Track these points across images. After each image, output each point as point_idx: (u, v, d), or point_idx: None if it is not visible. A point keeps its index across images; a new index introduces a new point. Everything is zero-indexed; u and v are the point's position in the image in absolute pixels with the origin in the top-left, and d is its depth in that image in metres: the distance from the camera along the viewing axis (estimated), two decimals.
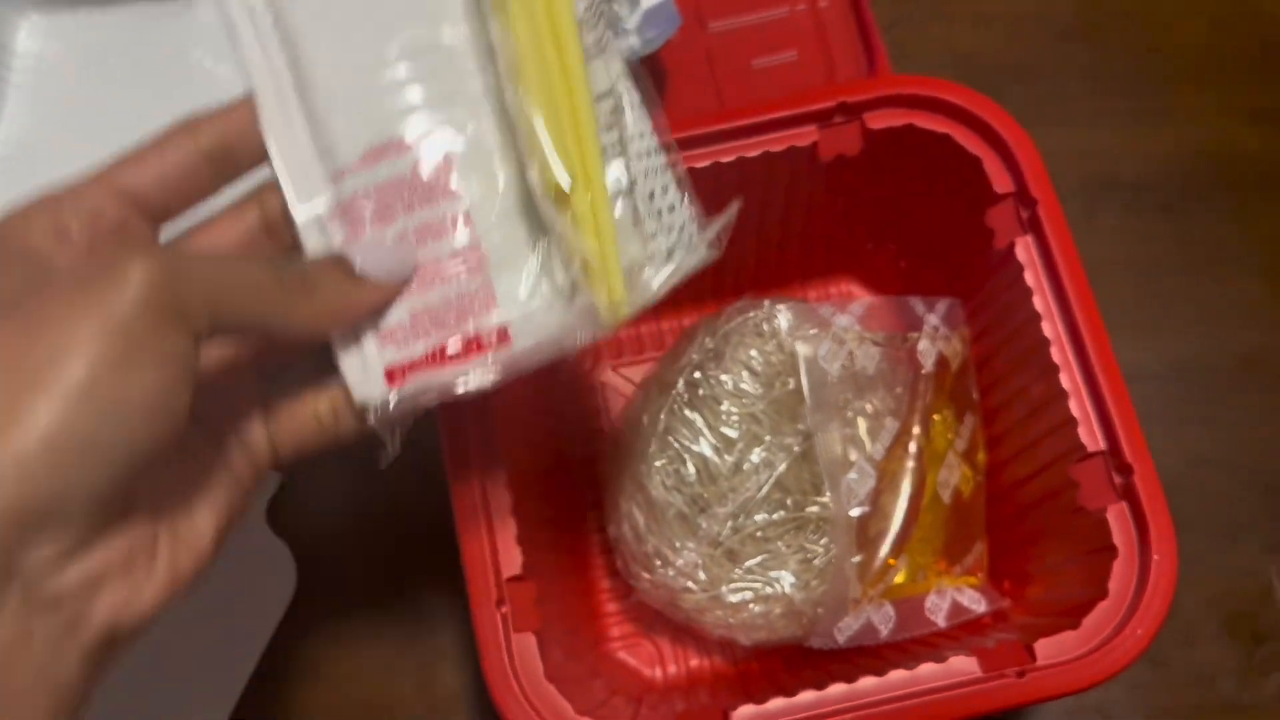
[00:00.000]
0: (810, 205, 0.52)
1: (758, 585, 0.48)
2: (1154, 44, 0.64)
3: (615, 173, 0.34)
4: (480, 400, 0.35)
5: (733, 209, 0.34)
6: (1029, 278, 0.45)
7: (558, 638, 0.44)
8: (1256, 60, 0.64)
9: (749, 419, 0.49)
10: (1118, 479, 0.42)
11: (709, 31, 0.63)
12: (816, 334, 0.48)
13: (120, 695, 0.41)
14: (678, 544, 0.48)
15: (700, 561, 0.48)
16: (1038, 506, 0.47)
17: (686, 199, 0.35)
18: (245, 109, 0.34)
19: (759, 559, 0.48)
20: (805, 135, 0.48)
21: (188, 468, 0.32)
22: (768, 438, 0.49)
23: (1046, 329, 0.45)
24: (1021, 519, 0.49)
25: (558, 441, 0.56)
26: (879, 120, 0.48)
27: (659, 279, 0.34)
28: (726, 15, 0.63)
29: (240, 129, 0.34)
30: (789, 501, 0.48)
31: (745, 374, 0.50)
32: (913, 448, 0.49)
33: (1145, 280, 0.59)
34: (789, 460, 0.48)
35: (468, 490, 0.43)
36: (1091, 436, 0.43)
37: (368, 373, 0.34)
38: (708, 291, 0.57)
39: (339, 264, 0.33)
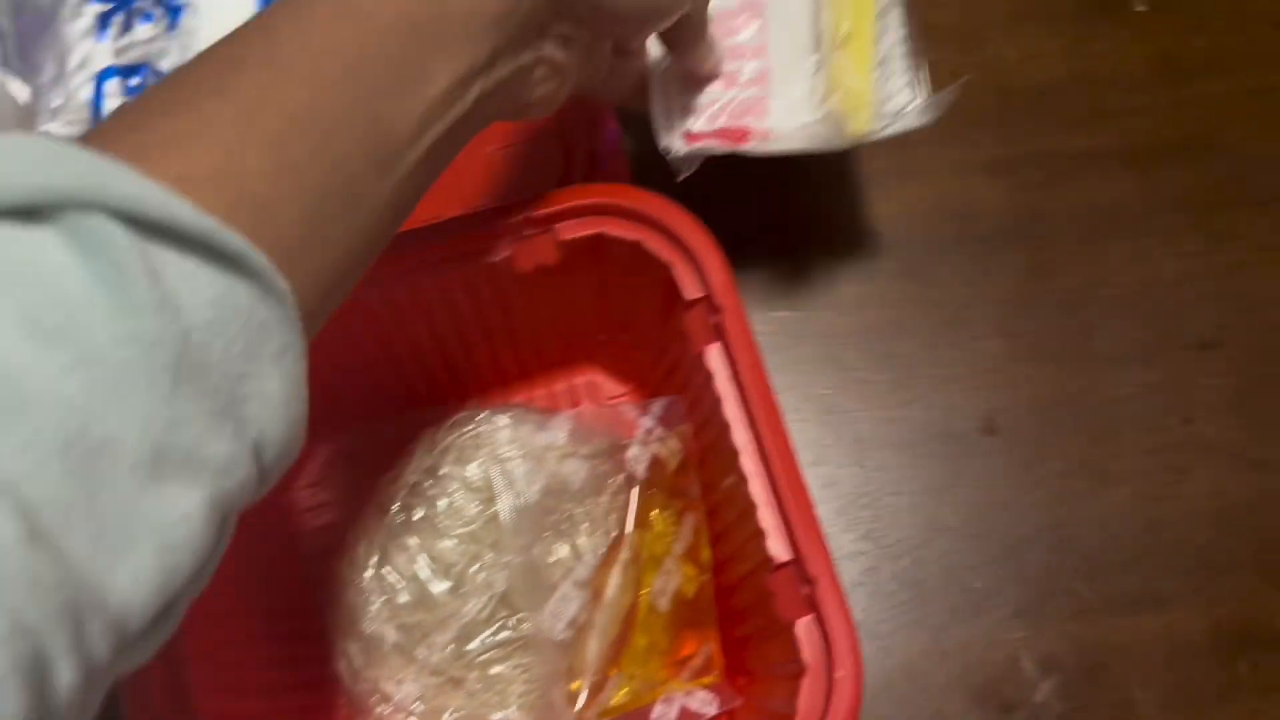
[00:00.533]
0: (528, 310, 0.52)
1: (483, 711, 0.47)
2: None
3: (885, 34, 0.52)
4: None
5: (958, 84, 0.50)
6: (717, 385, 0.45)
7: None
8: (994, 113, 0.64)
9: (468, 539, 0.48)
10: (804, 590, 0.42)
11: None
12: (521, 455, 0.48)
13: None
14: (399, 677, 0.47)
15: (420, 692, 0.47)
16: (753, 608, 0.47)
17: (921, 74, 0.52)
18: None
19: (484, 684, 0.47)
20: (498, 249, 0.47)
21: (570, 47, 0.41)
22: (489, 555, 0.48)
23: (736, 438, 0.44)
24: (744, 617, 0.48)
25: (285, 597, 0.54)
26: (570, 231, 0.47)
27: (890, 128, 0.50)
28: None
29: None
30: (512, 621, 0.47)
31: (461, 493, 0.49)
32: (624, 558, 0.48)
33: (883, 347, 0.59)
34: (510, 578, 0.48)
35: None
36: (779, 547, 0.43)
37: (671, 128, 0.49)
38: (445, 389, 0.56)
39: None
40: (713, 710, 0.48)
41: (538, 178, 0.61)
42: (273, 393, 0.28)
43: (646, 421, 0.50)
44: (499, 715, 0.47)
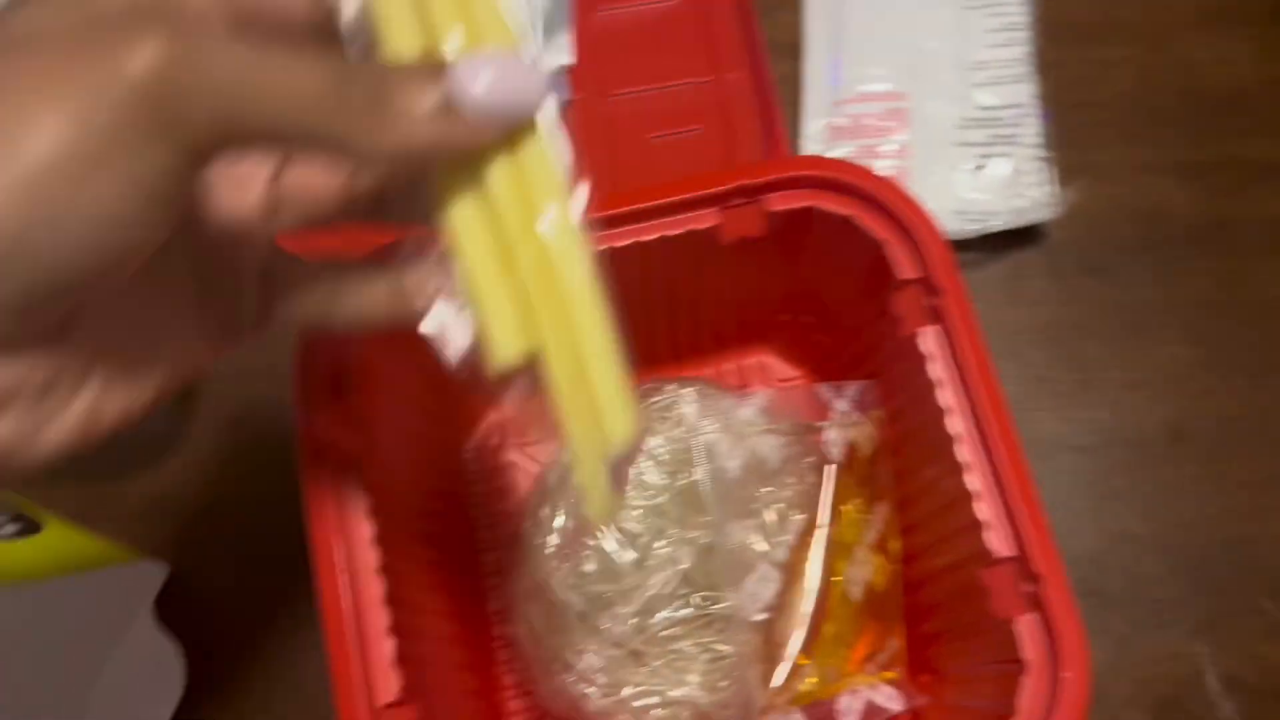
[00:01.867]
0: (718, 284, 0.50)
1: (663, 688, 0.46)
2: (1081, 98, 0.62)
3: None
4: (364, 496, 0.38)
5: None
6: (932, 370, 0.43)
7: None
8: (1182, 114, 0.62)
9: (653, 512, 0.47)
10: (1026, 587, 0.40)
11: (610, 101, 0.61)
12: (719, 428, 0.46)
13: None
14: (580, 646, 0.46)
15: (602, 664, 0.46)
16: (951, 604, 0.45)
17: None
18: None
19: (664, 660, 0.46)
20: (705, 219, 0.46)
21: (159, 303, 0.27)
22: (673, 530, 0.47)
23: (951, 425, 0.43)
24: (935, 613, 0.47)
25: (464, 526, 0.54)
26: (780, 202, 0.46)
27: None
28: (630, 84, 0.61)
29: None
30: (696, 599, 0.46)
31: (649, 464, 0.48)
32: (820, 544, 0.47)
33: (1068, 347, 0.57)
34: (695, 554, 0.46)
35: (336, 608, 0.40)
36: (1000, 541, 0.41)
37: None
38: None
39: (431, 78, 0.25)
40: (897, 707, 0.46)
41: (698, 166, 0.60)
42: None
43: (841, 404, 0.49)
44: (679, 692, 0.45)
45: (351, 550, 0.40)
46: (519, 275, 0.27)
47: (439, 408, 0.52)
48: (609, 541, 0.46)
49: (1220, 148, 0.61)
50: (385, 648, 0.40)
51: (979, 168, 0.59)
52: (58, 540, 0.47)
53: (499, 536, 0.54)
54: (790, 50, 0.63)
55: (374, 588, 0.40)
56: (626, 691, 0.46)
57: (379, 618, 0.40)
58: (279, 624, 0.53)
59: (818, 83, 0.61)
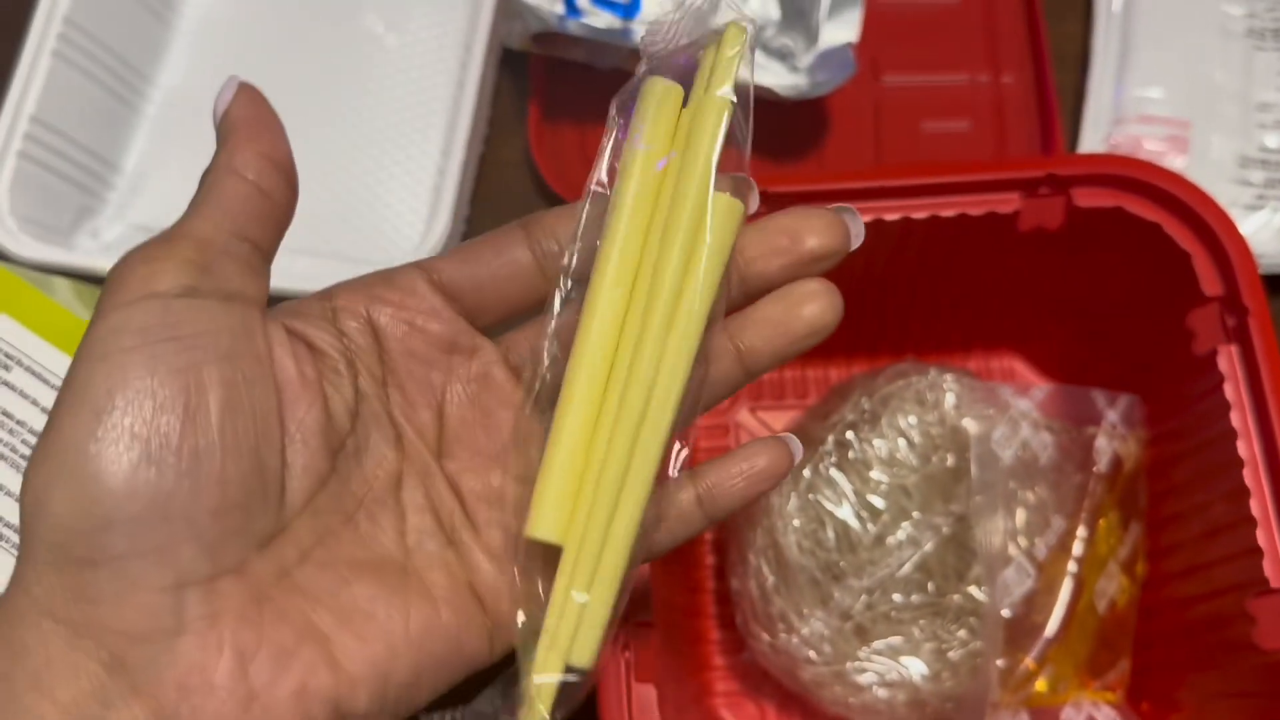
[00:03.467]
0: (996, 275, 0.49)
1: (885, 669, 0.45)
2: None
3: None
4: None
5: None
6: (1229, 391, 0.42)
7: (671, 695, 0.42)
8: None
9: (899, 491, 0.46)
10: None
11: (881, 84, 0.61)
12: (992, 414, 0.46)
13: None
14: (805, 610, 0.45)
15: (827, 633, 0.45)
16: (1201, 633, 0.44)
17: None
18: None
19: (890, 641, 0.45)
20: (1008, 203, 0.45)
21: None
22: (916, 514, 0.46)
23: (1242, 449, 0.41)
24: (1179, 641, 0.45)
25: None
26: (1087, 198, 0.45)
27: None
28: (903, 71, 0.61)
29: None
30: (930, 585, 0.45)
31: (901, 442, 0.47)
32: (1077, 551, 0.46)
33: None
34: (936, 541, 0.46)
35: None
36: (1278, 571, 0.40)
37: None
38: (862, 345, 0.55)
39: None
40: None
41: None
42: None
43: (1113, 415, 0.47)
44: (900, 675, 0.45)
45: None
46: (592, 468, 0.28)
47: None
48: (849, 513, 0.46)
49: None
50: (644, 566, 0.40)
51: (1254, 208, 0.58)
52: None
53: None
54: (1071, 62, 0.62)
55: None
56: (848, 665, 0.45)
57: None
58: None
59: (1100, 97, 0.59)
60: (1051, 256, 0.47)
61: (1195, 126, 0.60)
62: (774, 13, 0.55)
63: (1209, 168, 0.59)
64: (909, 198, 0.45)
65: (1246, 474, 0.41)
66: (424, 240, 0.52)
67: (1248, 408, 0.42)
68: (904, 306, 0.52)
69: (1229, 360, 0.42)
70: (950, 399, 0.47)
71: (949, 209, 0.45)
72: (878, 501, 0.46)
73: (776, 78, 0.54)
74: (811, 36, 0.52)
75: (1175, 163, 0.59)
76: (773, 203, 0.41)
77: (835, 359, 0.56)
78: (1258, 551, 0.40)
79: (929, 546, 0.45)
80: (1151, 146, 0.59)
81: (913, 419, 0.47)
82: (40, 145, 0.52)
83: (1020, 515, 0.45)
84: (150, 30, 0.59)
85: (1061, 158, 0.45)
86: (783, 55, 0.55)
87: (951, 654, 0.45)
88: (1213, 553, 0.43)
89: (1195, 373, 0.44)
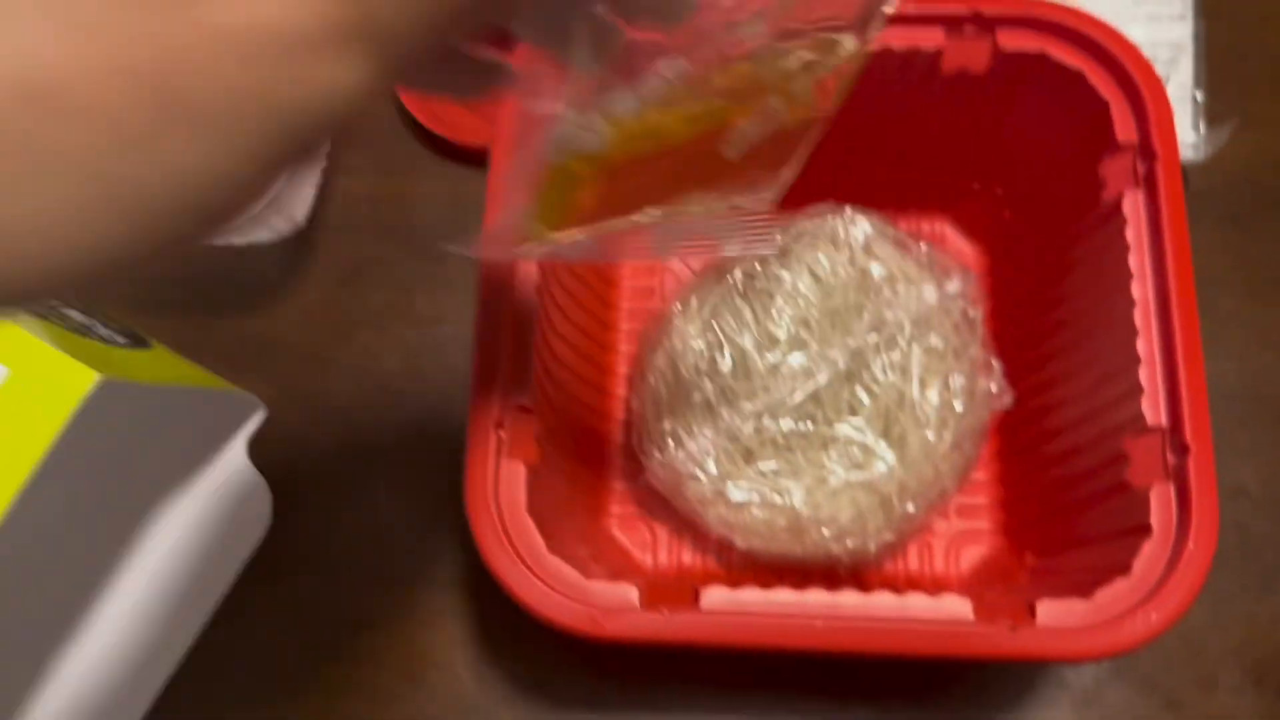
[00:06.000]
0: (918, 122, 0.49)
1: (765, 490, 0.45)
2: (1241, 46, 0.59)
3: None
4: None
5: None
6: (1129, 233, 0.42)
7: (552, 489, 0.43)
8: None
9: (799, 323, 0.47)
10: (1171, 459, 0.39)
11: None
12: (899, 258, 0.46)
13: None
14: (695, 429, 0.46)
15: (713, 452, 0.45)
16: (1082, 479, 0.44)
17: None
18: None
19: (774, 464, 0.46)
20: (930, 38, 0.45)
21: None
22: (814, 347, 0.46)
23: (1135, 290, 0.41)
24: (1063, 490, 0.46)
25: (604, 312, 0.54)
26: (1013, 40, 0.45)
27: None
28: None
29: None
30: (819, 415, 0.46)
31: (807, 276, 0.47)
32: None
33: (1199, 296, 0.55)
34: (831, 374, 0.46)
35: (491, 314, 0.41)
36: (1154, 410, 0.40)
37: None
38: (791, 197, 0.54)
39: None
40: None
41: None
42: None
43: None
44: (781, 499, 0.45)
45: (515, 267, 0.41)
46: None
47: None
48: (748, 340, 0.46)
49: None
50: (531, 360, 0.40)
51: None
52: (163, 360, 0.46)
53: (636, 330, 0.54)
54: None
55: (528, 294, 0.41)
56: (729, 485, 0.45)
57: (525, 335, 0.41)
58: (369, 480, 0.53)
59: None
60: (974, 103, 0.47)
61: None
62: None
63: None
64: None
65: (1136, 314, 0.41)
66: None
67: (1146, 250, 0.42)
68: (832, 157, 0.52)
69: (1133, 205, 0.42)
70: (859, 238, 0.48)
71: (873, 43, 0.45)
72: (778, 331, 0.46)
73: None
74: None
75: None
76: None
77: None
78: (1139, 390, 0.40)
79: (823, 378, 0.46)
80: None
81: (822, 255, 0.47)
82: None
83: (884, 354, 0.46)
84: None
85: None
86: None
87: (832, 481, 0.45)
88: (1100, 398, 0.43)
89: (1102, 221, 0.44)
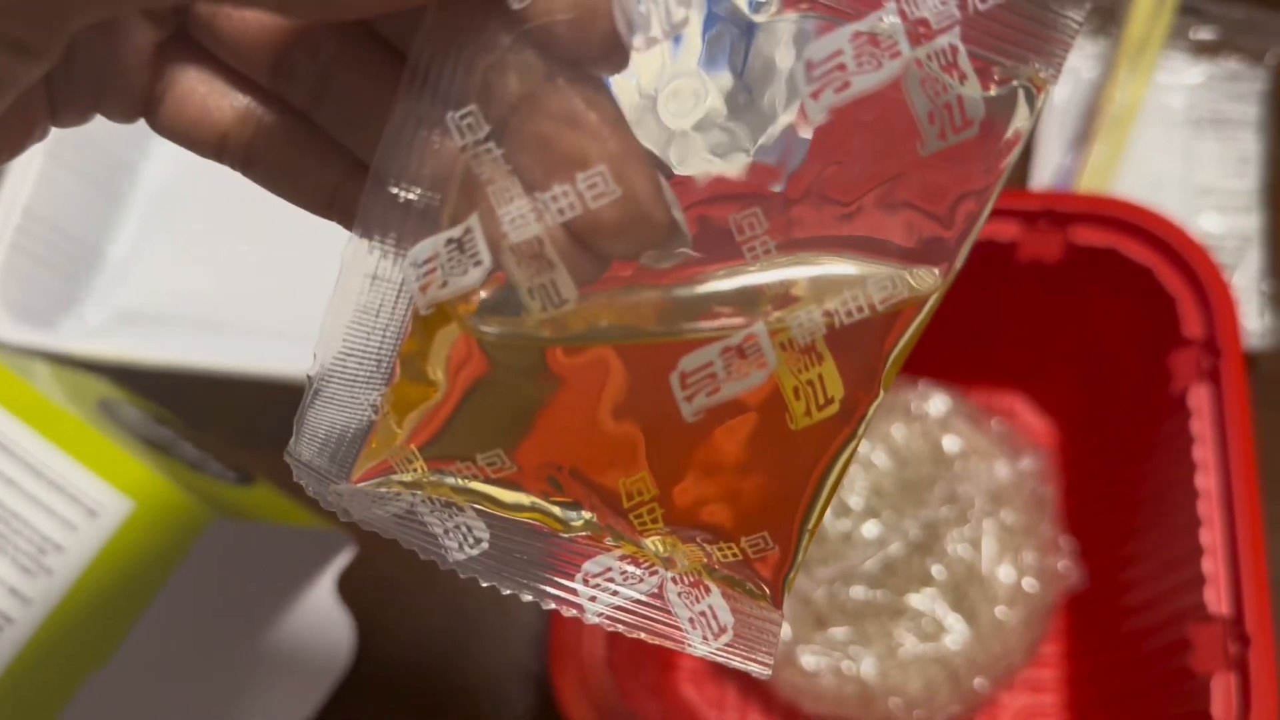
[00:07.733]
0: (994, 305, 0.52)
1: (836, 657, 0.47)
2: None
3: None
4: None
5: None
6: (1194, 426, 0.44)
7: (626, 640, 0.44)
8: None
9: (873, 492, 0.49)
10: (1233, 648, 0.40)
11: None
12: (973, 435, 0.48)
13: None
14: None
15: (787, 616, 0.47)
16: (1149, 662, 0.45)
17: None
18: None
19: (845, 632, 0.47)
20: (1006, 231, 0.48)
21: None
22: (887, 516, 0.48)
23: (1199, 481, 0.43)
24: (1130, 671, 0.46)
25: None
26: (1084, 235, 0.47)
27: None
28: None
29: None
30: (892, 585, 0.47)
31: (882, 448, 0.49)
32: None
33: (1272, 488, 0.54)
34: (903, 544, 0.47)
35: None
36: (1217, 599, 0.41)
37: None
38: None
39: None
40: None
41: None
42: None
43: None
44: (851, 668, 0.46)
45: None
46: None
47: None
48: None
49: None
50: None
51: None
52: (266, 497, 0.48)
53: None
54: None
55: None
56: (800, 649, 0.47)
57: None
58: (456, 620, 0.55)
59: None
60: (1049, 294, 0.50)
61: None
62: None
63: None
64: None
65: (1200, 505, 0.42)
66: None
67: (1211, 442, 0.43)
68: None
69: (1198, 399, 0.44)
70: (934, 412, 0.50)
71: None
72: (852, 500, 0.48)
73: None
74: None
75: None
76: None
77: None
78: (1201, 579, 0.41)
79: (895, 548, 0.47)
80: None
81: (896, 428, 0.49)
82: (30, 236, 0.54)
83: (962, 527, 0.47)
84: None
85: (1059, 196, 0.48)
86: None
87: (901, 653, 0.46)
88: (1166, 584, 0.44)
89: (1170, 411, 0.45)
